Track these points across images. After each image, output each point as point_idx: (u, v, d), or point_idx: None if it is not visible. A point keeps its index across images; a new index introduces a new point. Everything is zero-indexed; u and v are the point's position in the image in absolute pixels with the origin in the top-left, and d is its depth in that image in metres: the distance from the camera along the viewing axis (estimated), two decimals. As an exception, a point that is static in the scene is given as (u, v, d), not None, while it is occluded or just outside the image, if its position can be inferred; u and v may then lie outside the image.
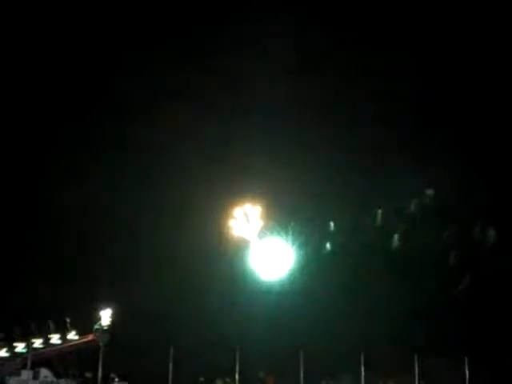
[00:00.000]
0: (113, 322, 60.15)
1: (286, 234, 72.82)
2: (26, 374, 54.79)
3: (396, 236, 72.97)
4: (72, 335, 60.52)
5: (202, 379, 65.08)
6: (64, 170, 69.72)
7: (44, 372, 55.88)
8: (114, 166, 70.20)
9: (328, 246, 74.28)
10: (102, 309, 60.28)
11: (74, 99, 71.14)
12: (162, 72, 72.90)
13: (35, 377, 55.15)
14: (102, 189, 69.19)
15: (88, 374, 59.07)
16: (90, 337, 59.81)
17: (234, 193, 70.96)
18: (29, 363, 55.44)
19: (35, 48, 70.23)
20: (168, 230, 68.43)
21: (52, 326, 59.85)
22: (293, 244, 72.87)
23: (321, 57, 74.46)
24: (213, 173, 70.53)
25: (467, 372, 58.64)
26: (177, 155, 71.82)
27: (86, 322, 60.41)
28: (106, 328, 59.66)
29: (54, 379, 56.18)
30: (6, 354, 58.94)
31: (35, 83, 69.81)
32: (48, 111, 70.29)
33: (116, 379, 59.82)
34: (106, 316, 60.06)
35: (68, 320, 60.43)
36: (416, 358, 57.68)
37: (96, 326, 59.64)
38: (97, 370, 55.24)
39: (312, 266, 71.34)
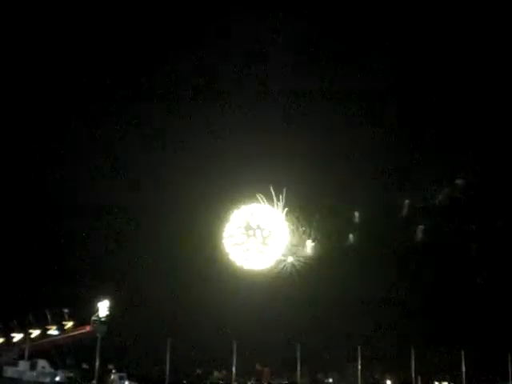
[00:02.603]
0: (110, 313, 59.98)
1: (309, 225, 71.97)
2: (23, 365, 54.54)
3: (420, 228, 72.87)
4: (70, 326, 60.36)
5: (199, 371, 65.26)
6: (68, 170, 69.74)
7: (41, 363, 55.51)
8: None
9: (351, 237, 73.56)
10: (99, 300, 60.12)
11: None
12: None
13: (32, 367, 54.95)
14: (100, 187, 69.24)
15: (85, 365, 59.15)
16: (88, 328, 59.66)
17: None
18: (26, 354, 55.33)
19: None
20: (168, 222, 68.31)
21: (50, 316, 59.66)
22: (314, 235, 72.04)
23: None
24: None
25: (464, 366, 59.00)
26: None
27: (83, 314, 60.30)
28: (103, 319, 59.48)
29: (52, 370, 55.98)
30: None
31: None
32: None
33: (113, 370, 59.81)
34: (103, 307, 59.90)
35: (66, 311, 60.22)
36: (413, 353, 57.98)
37: (94, 318, 59.48)
38: (94, 361, 55.20)
39: (330, 259, 70.51)
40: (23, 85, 68.70)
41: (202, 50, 73.03)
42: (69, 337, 59.93)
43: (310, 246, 72.41)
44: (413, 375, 58.53)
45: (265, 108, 73.82)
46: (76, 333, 59.93)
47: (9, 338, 58.55)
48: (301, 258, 71.29)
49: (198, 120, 72.71)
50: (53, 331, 60.00)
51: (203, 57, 73.26)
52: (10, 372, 54.01)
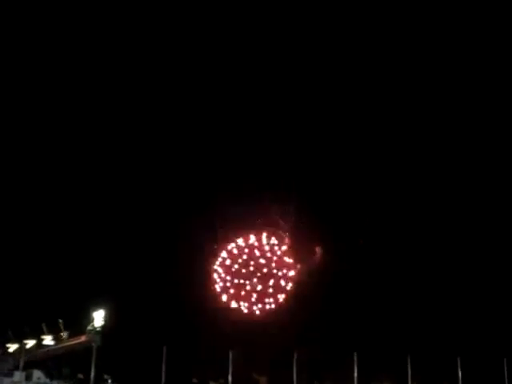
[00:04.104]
0: (106, 323, 59.90)
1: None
2: (18, 376, 54.59)
3: None
4: (65, 336, 60.19)
5: (195, 380, 65.11)
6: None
7: (37, 373, 55.74)
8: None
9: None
10: (95, 310, 60.07)
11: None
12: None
13: (28, 378, 55.03)
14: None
15: (80, 376, 59.03)
16: (83, 338, 59.52)
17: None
18: (21, 364, 55.29)
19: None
20: (165, 228, 68.32)
21: (45, 327, 59.52)
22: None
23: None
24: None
25: (460, 373, 59.04)
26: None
27: (79, 323, 60.19)
28: (98, 329, 59.40)
29: (47, 380, 56.11)
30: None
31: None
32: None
33: (109, 380, 59.76)
34: (98, 317, 59.82)
35: (61, 321, 60.08)
36: (409, 360, 57.94)
37: (89, 327, 59.39)
38: (89, 371, 55.14)
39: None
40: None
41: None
42: (64, 347, 59.70)
43: (319, 253, 71.41)
44: (409, 382, 58.51)
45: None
46: (71, 343, 59.70)
47: (4, 349, 58.34)
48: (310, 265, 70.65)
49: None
50: (48, 341, 59.73)
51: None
52: (5, 383, 54.09)
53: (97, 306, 60.04)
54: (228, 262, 69.61)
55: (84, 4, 70.79)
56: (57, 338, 59.68)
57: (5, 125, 67.46)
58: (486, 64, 72.09)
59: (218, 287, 68.91)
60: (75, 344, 59.72)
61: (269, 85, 71.73)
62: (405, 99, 72.31)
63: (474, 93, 72.07)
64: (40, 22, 69.69)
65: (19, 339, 58.03)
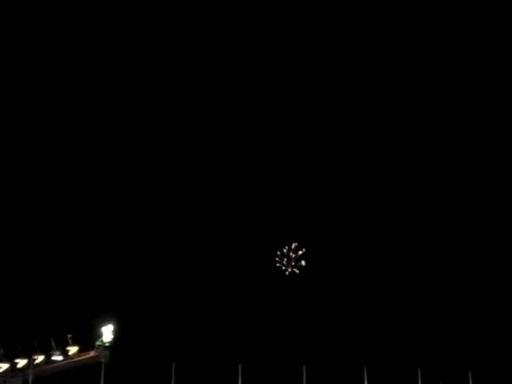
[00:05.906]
0: (115, 338, 59.86)
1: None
2: (27, 391, 54.67)
3: None
4: (74, 351, 60.17)
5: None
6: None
7: (46, 388, 55.86)
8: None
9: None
10: (103, 325, 60.04)
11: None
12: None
13: (37, 393, 55.05)
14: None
15: (89, 391, 58.92)
16: (92, 353, 59.50)
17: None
18: (30, 380, 55.19)
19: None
20: (174, 243, 68.38)
21: (54, 342, 59.51)
22: None
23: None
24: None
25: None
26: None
27: (88, 339, 60.16)
28: (107, 344, 59.38)
29: (56, 396, 56.19)
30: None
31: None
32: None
33: (118, 396, 59.50)
34: (107, 332, 59.81)
35: (70, 336, 60.06)
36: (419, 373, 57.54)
37: (98, 343, 59.37)
38: (98, 387, 55.01)
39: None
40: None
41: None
42: (73, 362, 59.66)
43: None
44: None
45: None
46: (80, 358, 59.67)
47: (13, 364, 58.32)
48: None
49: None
50: (57, 357, 59.71)
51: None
52: (14, 398, 54.12)
53: (106, 321, 60.04)
54: None
55: (84, 4, 71.07)
56: (65, 354, 59.72)
57: (5, 125, 67.56)
58: (486, 64, 71.94)
59: None
60: (84, 359, 59.70)
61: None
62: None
63: (471, 94, 71.74)
64: (40, 22, 70.02)
65: (28, 354, 58.00)
